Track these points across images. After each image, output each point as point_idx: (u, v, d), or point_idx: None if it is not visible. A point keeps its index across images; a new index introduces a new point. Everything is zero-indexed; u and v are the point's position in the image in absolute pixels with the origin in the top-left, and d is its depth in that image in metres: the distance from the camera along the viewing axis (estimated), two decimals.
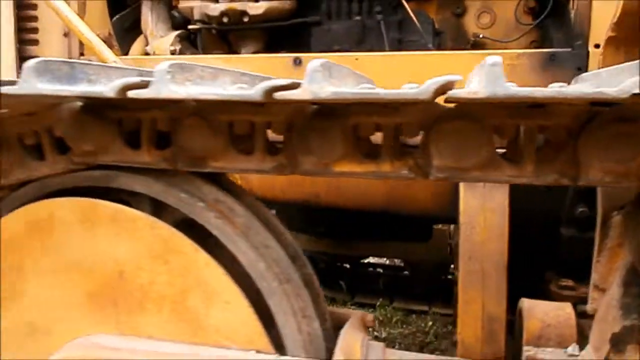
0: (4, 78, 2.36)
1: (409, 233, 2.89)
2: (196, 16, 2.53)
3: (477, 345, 1.83)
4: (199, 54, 2.59)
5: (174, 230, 1.29)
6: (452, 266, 4.03)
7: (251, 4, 2.46)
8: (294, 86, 0.95)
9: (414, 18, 2.28)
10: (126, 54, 2.66)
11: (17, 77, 2.35)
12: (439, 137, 1.10)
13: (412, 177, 1.16)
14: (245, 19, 2.48)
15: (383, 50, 2.33)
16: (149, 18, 2.55)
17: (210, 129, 1.23)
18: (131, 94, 1.01)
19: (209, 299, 1.29)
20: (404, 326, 3.63)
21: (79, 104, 1.35)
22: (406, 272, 4.18)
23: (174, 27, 2.63)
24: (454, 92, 0.87)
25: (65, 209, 1.35)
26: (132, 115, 1.31)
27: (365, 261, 4.31)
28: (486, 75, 0.85)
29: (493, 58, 0.86)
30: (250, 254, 1.30)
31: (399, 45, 2.34)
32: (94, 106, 1.31)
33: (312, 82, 0.91)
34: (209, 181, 1.39)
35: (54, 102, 1.32)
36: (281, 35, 2.57)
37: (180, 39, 2.58)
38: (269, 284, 1.29)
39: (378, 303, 3.83)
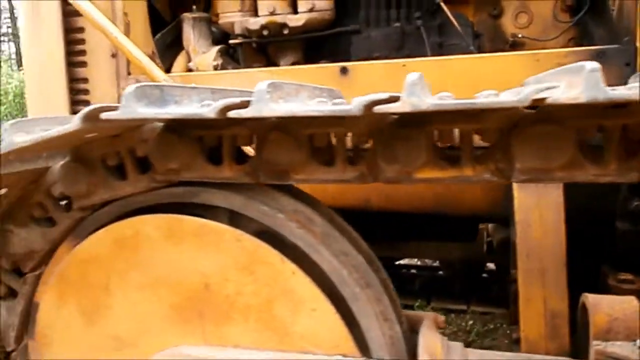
0: (54, 102, 2.44)
1: (454, 233, 2.91)
2: (237, 30, 2.59)
3: (541, 342, 1.85)
4: (240, 67, 2.65)
5: (259, 242, 1.33)
6: (488, 264, 4.06)
7: (291, 16, 2.51)
8: (392, 99, 0.99)
9: (454, 21, 2.31)
10: (168, 70, 2.72)
11: (69, 100, 2.42)
12: (522, 140, 1.14)
13: (495, 180, 1.19)
14: (285, 31, 2.53)
15: (423, 55, 2.36)
16: (190, 35, 2.61)
17: (293, 143, 1.27)
18: (232, 114, 1.05)
19: (295, 307, 1.34)
20: (445, 326, 3.65)
21: (159, 124, 1.40)
22: (441, 272, 4.20)
23: (214, 43, 2.69)
24: (555, 98, 0.91)
25: (151, 225, 1.41)
26: (213, 133, 1.36)
27: (399, 263, 4.34)
28: (586, 80, 0.88)
29: (591, 64, 0.89)
30: (332, 261, 1.34)
31: (440, 49, 2.37)
32: (177, 126, 1.36)
33: (411, 94, 0.95)
34: (285, 193, 1.44)
35: (139, 124, 1.37)
36: (319, 45, 2.62)
37: (221, 53, 2.63)
38: (352, 290, 1.33)
39: (417, 304, 3.85)
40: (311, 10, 2.46)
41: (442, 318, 1.61)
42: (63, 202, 1.54)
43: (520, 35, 2.42)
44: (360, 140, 1.26)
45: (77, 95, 2.52)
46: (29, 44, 2.52)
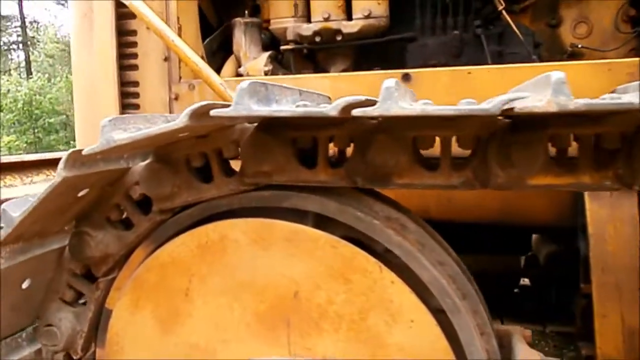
0: (104, 105, 2.40)
1: (508, 246, 2.85)
2: (289, 36, 2.56)
3: (619, 358, 1.79)
4: (289, 73, 2.61)
5: (357, 249, 1.28)
6: (523, 279, 3.98)
7: (345, 23, 2.48)
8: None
9: (516, 30, 2.28)
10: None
11: (119, 103, 2.38)
12: None
13: (615, 188, 1.14)
14: (339, 38, 2.50)
15: (481, 63, 2.32)
16: (242, 40, 2.57)
17: (397, 146, 1.23)
18: (357, 112, 1.01)
19: (392, 318, 1.28)
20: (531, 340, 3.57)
21: (248, 125, 1.36)
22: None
23: (263, 48, 2.66)
24: None
25: (239, 230, 1.35)
26: (308, 135, 1.32)
27: None
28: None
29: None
30: (432, 270, 1.28)
31: (499, 58, 2.34)
32: (270, 127, 1.31)
33: (558, 93, 0.91)
34: (375, 198, 1.39)
35: (229, 124, 1.33)
36: (371, 52, 2.59)
37: (271, 59, 2.60)
38: (452, 301, 1.27)
39: None
40: (367, 16, 2.43)
41: (528, 332, 1.54)
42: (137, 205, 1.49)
43: (579, 45, 2.38)
44: (467, 144, 1.21)
45: (127, 99, 2.48)
46: (80, 46, 2.49)
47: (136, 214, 1.46)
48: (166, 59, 2.43)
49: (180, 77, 2.43)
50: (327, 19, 2.47)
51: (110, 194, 1.47)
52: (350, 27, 2.47)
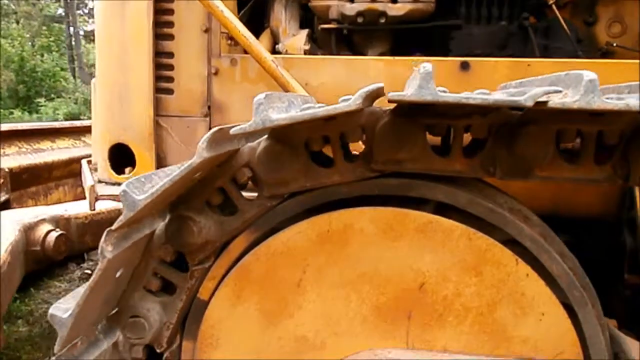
0: (137, 76, 2.22)
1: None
2: (331, 15, 2.46)
3: None
4: (326, 53, 2.53)
5: (493, 241, 1.26)
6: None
7: (391, 5, 2.41)
8: None
9: (564, 25, 2.32)
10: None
11: (153, 75, 2.20)
12: None
13: (613, 181, 1.21)
14: (382, 20, 2.44)
15: (526, 55, 2.35)
16: (282, 16, 2.45)
17: (546, 138, 1.21)
18: (555, 103, 0.97)
19: (522, 310, 1.28)
20: None
21: (376, 109, 1.30)
22: None
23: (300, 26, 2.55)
24: None
25: (367, 219, 1.29)
26: (444, 123, 1.27)
27: None
28: None
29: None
30: (560, 263, 1.29)
31: (545, 51, 2.37)
32: (406, 113, 1.26)
33: None
34: (499, 189, 1.37)
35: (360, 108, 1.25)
36: (411, 37, 2.55)
37: (309, 38, 2.50)
38: (581, 293, 1.29)
39: None
40: (415, 0, 2.38)
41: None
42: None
43: (614, 44, 2.46)
44: (614, 138, 1.21)
45: (159, 70, 2.30)
46: (109, 10, 2.27)
47: (241, 198, 1.36)
48: (207, 31, 2.27)
49: (220, 51, 2.28)
50: (374, 0, 2.40)
51: (212, 176, 1.35)
52: (396, 9, 2.41)
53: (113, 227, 1.15)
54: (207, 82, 2.29)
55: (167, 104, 2.33)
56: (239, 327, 1.38)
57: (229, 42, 2.34)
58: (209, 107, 2.31)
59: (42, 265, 3.30)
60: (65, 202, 4.49)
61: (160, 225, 1.38)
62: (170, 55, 2.30)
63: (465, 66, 2.12)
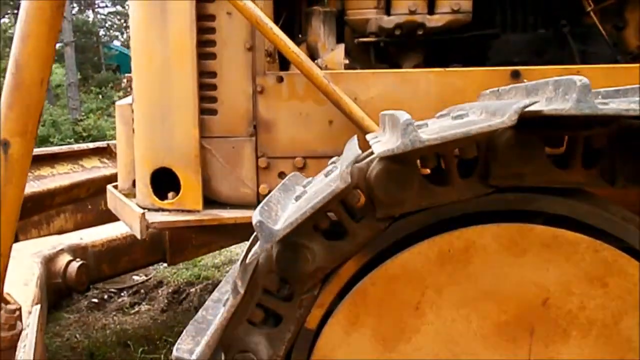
0: (180, 97, 2.14)
1: None
2: (370, 28, 2.45)
3: None
4: (366, 67, 2.51)
5: (619, 252, 1.24)
6: None
7: (429, 17, 2.42)
8: None
9: (602, 30, 2.36)
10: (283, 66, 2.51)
11: (197, 96, 2.14)
12: None
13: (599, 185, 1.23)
14: (420, 32, 2.44)
15: (564, 62, 2.38)
16: (320, 30, 2.42)
17: None
18: None
19: None
20: None
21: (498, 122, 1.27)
22: None
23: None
24: None
25: (489, 236, 1.26)
26: (563, 134, 1.26)
27: None
28: None
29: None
30: None
31: (583, 57, 2.41)
32: (525, 125, 1.23)
33: None
34: (611, 200, 1.36)
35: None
36: (448, 48, 2.55)
37: (346, 52, 2.48)
38: None
39: None
40: (454, 11, 2.38)
41: None
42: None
43: None
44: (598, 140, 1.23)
45: (202, 90, 2.23)
46: (148, 29, 2.19)
47: (352, 221, 1.31)
48: (250, 48, 2.21)
49: (265, 69, 2.23)
50: (413, 12, 2.39)
51: None
52: (435, 21, 2.41)
53: (247, 261, 1.09)
54: (252, 101, 2.23)
55: (211, 124, 2.26)
56: (354, 355, 1.33)
57: (268, 59, 2.28)
58: (254, 127, 2.25)
59: (62, 298, 3.15)
60: (67, 230, 4.32)
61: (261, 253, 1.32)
62: (213, 74, 2.24)
63: (516, 75, 2.12)
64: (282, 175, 2.27)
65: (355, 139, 1.50)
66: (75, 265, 3.02)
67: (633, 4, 2.55)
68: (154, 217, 2.13)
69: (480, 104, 1.32)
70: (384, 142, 1.22)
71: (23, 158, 1.58)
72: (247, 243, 1.32)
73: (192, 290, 4.57)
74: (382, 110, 2.19)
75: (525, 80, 2.13)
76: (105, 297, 4.43)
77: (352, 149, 1.20)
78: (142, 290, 4.59)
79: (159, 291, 4.59)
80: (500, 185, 1.28)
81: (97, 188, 4.72)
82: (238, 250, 5.27)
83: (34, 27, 1.54)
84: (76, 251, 3.21)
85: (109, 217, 4.77)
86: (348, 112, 2.10)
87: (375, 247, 1.33)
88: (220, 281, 4.66)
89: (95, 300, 4.36)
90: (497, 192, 1.30)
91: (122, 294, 4.54)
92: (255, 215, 1.09)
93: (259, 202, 2.31)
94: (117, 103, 2.71)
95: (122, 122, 2.65)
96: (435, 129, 1.10)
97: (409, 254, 1.28)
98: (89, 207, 4.73)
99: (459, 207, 1.30)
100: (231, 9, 2.17)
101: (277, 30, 2.08)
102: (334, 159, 1.67)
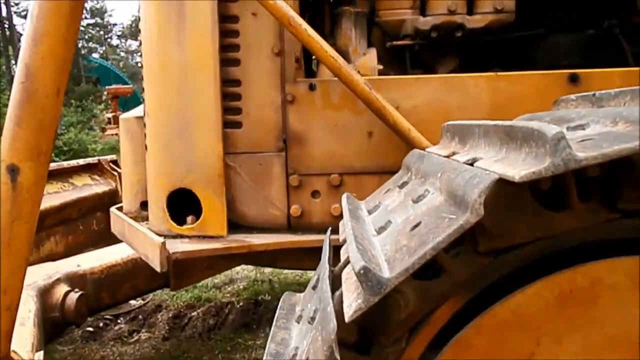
0: (201, 108, 1.89)
1: None
2: (405, 30, 2.23)
3: None
4: (401, 73, 2.29)
5: None
6: None
7: (470, 17, 2.21)
8: None
9: None
10: (309, 72, 2.28)
11: (220, 107, 1.89)
12: None
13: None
14: (458, 34, 2.23)
15: (616, 65, 2.19)
16: (352, 33, 2.19)
17: None
18: None
19: None
20: None
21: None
22: None
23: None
24: None
25: (620, 271, 1.03)
26: None
27: None
28: None
29: None
30: None
31: (635, 59, 2.23)
32: None
33: None
34: None
35: None
36: (487, 50, 2.35)
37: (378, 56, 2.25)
38: None
39: None
40: (496, 11, 2.18)
41: None
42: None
43: None
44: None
45: (224, 100, 1.98)
46: (163, 32, 1.93)
47: (448, 256, 1.07)
48: (279, 53, 1.97)
49: (296, 75, 1.99)
50: (453, 12, 2.18)
51: None
52: (476, 22, 2.21)
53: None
54: (282, 112, 1.99)
55: (235, 139, 2.01)
56: None
57: (296, 64, 2.05)
58: (284, 140, 2.01)
59: (59, 332, 2.84)
60: (58, 253, 4.01)
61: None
62: (237, 82, 1.99)
63: (574, 79, 1.93)
64: (315, 194, 2.03)
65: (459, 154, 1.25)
66: (74, 296, 2.72)
67: None
68: (175, 246, 1.86)
69: (599, 111, 1.10)
70: (500, 160, 0.99)
71: (35, 187, 1.30)
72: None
73: (194, 314, 4.27)
74: (427, 119, 1.99)
75: (584, 85, 1.94)
76: (101, 325, 4.10)
77: (480, 174, 0.93)
78: (140, 316, 4.27)
79: (159, 316, 4.28)
80: (630, 210, 1.06)
81: (89, 207, 4.42)
82: (238, 268, 4.99)
83: (50, 26, 1.27)
84: (74, 280, 2.91)
85: (102, 238, 4.48)
86: (392, 123, 1.88)
87: (474, 287, 1.10)
88: (224, 303, 4.35)
89: (90, 329, 4.03)
90: (624, 218, 1.08)
91: (119, 320, 4.22)
92: (355, 259, 0.85)
93: (289, 224, 2.07)
94: (122, 116, 2.45)
95: (127, 138, 2.38)
96: (581, 144, 0.87)
97: (523, 296, 1.05)
98: (81, 227, 4.41)
99: (577, 236, 1.08)
100: (257, 9, 1.94)
101: (311, 32, 1.84)
102: (400, 175, 1.44)
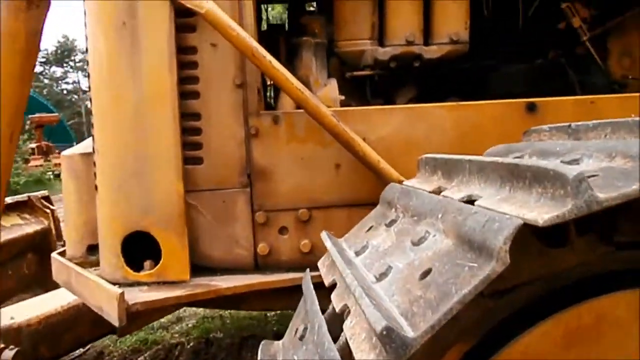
0: (158, 145, 1.78)
1: None
2: (365, 61, 2.22)
3: None
4: (362, 103, 2.28)
5: None
6: None
7: (427, 48, 2.24)
8: None
9: (598, 60, 2.31)
10: (270, 105, 2.22)
11: (180, 142, 1.79)
12: None
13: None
14: (416, 64, 2.25)
15: (562, 92, 2.29)
16: (312, 64, 2.15)
17: None
18: None
19: None
20: None
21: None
22: None
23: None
24: None
25: (622, 305, 1.03)
26: None
27: None
28: None
29: None
30: None
31: (581, 87, 2.34)
32: None
33: None
34: None
35: None
36: (443, 80, 2.39)
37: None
38: None
39: None
40: (452, 41, 2.23)
41: None
42: None
43: (630, 77, 2.51)
44: None
45: (185, 136, 1.86)
46: (116, 65, 1.80)
47: None
48: (241, 85, 1.89)
49: (259, 108, 1.92)
50: (410, 43, 2.20)
51: None
52: (432, 52, 2.24)
53: None
54: (246, 146, 1.91)
55: (196, 175, 1.90)
56: None
57: (258, 97, 1.98)
58: (248, 176, 1.92)
59: None
60: (9, 293, 3.66)
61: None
62: (197, 116, 1.89)
63: (531, 107, 1.98)
64: (283, 231, 1.94)
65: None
66: (8, 354, 2.44)
67: (614, 34, 2.54)
68: (134, 295, 1.70)
69: (588, 145, 1.11)
70: (506, 199, 0.96)
71: None
72: None
73: (141, 359, 3.99)
74: (394, 150, 1.97)
75: (540, 113, 2.00)
76: None
77: (499, 218, 0.87)
78: None
79: None
80: (626, 242, 1.06)
81: (19, 250, 4.06)
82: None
83: (4, 61, 1.12)
84: (7, 335, 2.61)
85: (35, 283, 4.12)
86: (361, 155, 1.84)
87: (479, 330, 1.06)
88: (172, 345, 4.09)
89: None
90: (619, 250, 1.08)
91: None
92: (374, 318, 0.78)
93: (256, 264, 1.96)
94: (64, 153, 2.25)
95: (71, 177, 2.19)
96: (590, 182, 0.86)
97: (531, 337, 1.02)
98: (10, 272, 4.03)
99: (577, 271, 1.07)
100: (216, 40, 1.85)
101: (276, 63, 1.78)
102: (381, 211, 1.39)
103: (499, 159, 1.03)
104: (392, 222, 1.25)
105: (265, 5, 2.90)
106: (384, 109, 1.99)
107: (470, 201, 1.04)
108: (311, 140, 1.93)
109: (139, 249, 1.90)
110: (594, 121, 1.32)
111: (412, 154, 1.97)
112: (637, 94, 2.11)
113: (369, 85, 2.28)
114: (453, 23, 2.21)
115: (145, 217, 1.82)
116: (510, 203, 0.94)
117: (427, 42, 2.25)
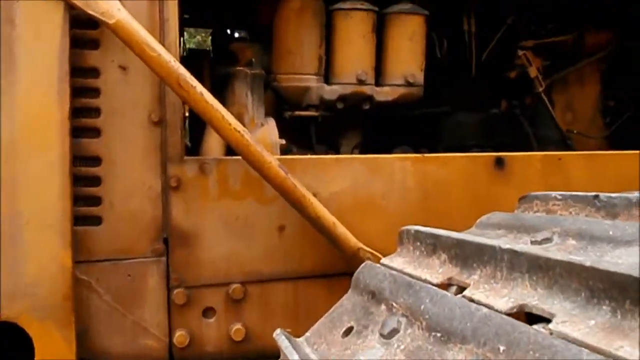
0: (38, 197, 1.30)
1: None
2: (309, 100, 1.88)
3: None
4: (301, 149, 1.92)
5: None
6: None
7: (379, 89, 1.96)
8: None
9: (552, 112, 2.17)
10: (194, 149, 1.79)
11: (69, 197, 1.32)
12: None
13: None
14: (366, 106, 1.96)
15: (515, 145, 2.12)
16: (248, 100, 1.74)
17: None
18: None
19: None
20: None
21: None
22: None
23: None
24: None
25: None
26: None
27: None
28: None
29: None
30: None
31: (535, 140, 2.18)
32: None
33: None
34: None
35: None
36: (390, 126, 2.12)
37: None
38: None
39: None
40: (407, 83, 1.96)
41: None
42: None
43: (575, 132, 2.42)
44: None
45: (77, 186, 1.37)
46: None
47: None
48: (159, 123, 1.45)
49: (183, 153, 1.48)
50: (361, 82, 1.90)
51: None
52: (385, 94, 1.96)
53: None
54: (162, 202, 1.45)
55: (91, 241, 1.41)
56: None
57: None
58: (165, 241, 1.46)
59: None
60: None
61: None
62: (95, 161, 1.41)
63: (500, 162, 1.75)
64: (209, 313, 1.49)
65: None
66: None
67: (558, 88, 2.45)
68: None
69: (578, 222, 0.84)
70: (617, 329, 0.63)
71: None
72: None
73: None
74: (348, 209, 1.62)
75: (508, 168, 1.78)
76: None
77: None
78: None
79: None
80: None
81: None
82: None
83: None
84: None
85: None
86: (314, 216, 1.46)
87: None
88: None
89: None
90: None
91: None
92: None
93: (171, 357, 1.48)
94: None
95: None
96: None
97: None
98: None
99: None
100: (127, 61, 1.40)
101: (209, 97, 1.37)
102: (363, 306, 1.01)
103: (564, 256, 0.71)
104: (393, 332, 0.87)
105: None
106: (338, 159, 1.65)
107: (537, 318, 0.70)
108: (249, 195, 1.52)
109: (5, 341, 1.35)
110: (627, 193, 1.06)
111: (368, 214, 1.66)
112: (604, 152, 1.99)
113: (313, 127, 1.93)
114: (408, 63, 1.96)
115: (12, 302, 1.28)
116: (615, 332, 0.61)
117: (379, 82, 1.97)
